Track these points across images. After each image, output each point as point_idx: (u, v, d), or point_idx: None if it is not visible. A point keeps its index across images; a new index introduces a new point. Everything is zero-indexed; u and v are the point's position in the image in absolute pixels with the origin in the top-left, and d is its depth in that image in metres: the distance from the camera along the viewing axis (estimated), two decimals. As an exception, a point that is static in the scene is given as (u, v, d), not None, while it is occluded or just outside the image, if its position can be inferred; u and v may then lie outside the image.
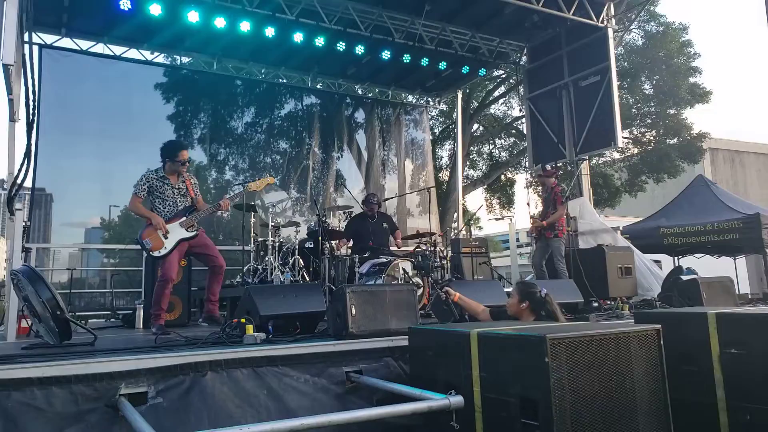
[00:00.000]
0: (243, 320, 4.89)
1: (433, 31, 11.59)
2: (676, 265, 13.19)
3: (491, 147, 23.60)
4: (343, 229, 9.37)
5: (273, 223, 8.75)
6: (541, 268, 9.01)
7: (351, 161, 14.80)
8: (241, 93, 13.61)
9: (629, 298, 9.10)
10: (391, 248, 9.38)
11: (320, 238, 8.25)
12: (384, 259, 8.09)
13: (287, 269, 8.44)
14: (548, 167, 10.30)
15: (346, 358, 4.57)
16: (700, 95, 20.28)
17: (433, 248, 9.08)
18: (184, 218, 6.31)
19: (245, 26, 10.20)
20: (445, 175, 21.92)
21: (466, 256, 10.60)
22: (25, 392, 3.51)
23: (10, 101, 7.45)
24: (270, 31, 10.35)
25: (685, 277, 8.66)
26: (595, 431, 3.16)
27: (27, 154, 7.49)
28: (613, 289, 8.88)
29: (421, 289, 7.68)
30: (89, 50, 11.09)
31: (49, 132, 10.08)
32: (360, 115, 15.30)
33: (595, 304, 8.36)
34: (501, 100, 22.43)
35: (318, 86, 14.40)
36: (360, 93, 15.01)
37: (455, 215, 17.45)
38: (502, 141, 23.41)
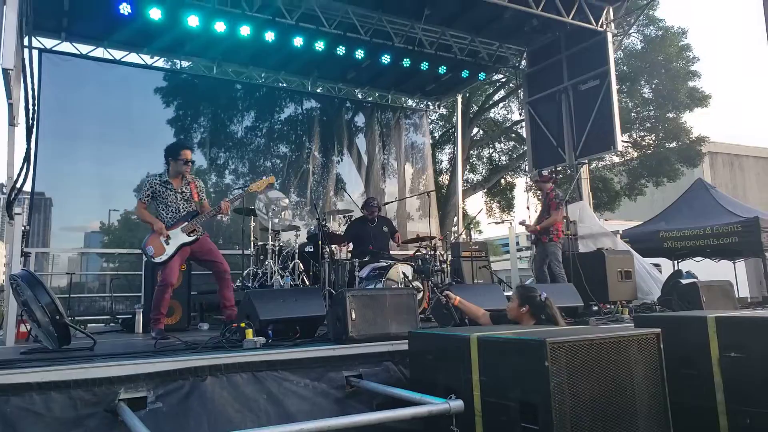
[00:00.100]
0: (243, 324, 4.87)
1: (432, 35, 11.61)
2: (676, 268, 13.20)
3: (491, 151, 23.62)
4: (342, 233, 9.36)
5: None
6: (542, 272, 9.03)
7: (351, 165, 14.81)
8: (241, 97, 13.63)
9: (629, 302, 9.09)
10: (391, 252, 9.37)
11: (320, 242, 8.24)
12: (384, 263, 8.08)
13: (287, 273, 8.43)
14: (545, 173, 10.33)
15: (346, 362, 4.56)
16: (699, 99, 20.31)
17: (433, 252, 9.08)
18: (186, 223, 6.29)
19: (245, 30, 10.20)
20: (445, 178, 21.93)
21: (466, 260, 10.60)
22: (24, 397, 3.50)
23: (10, 105, 7.44)
24: (270, 36, 10.38)
25: (684, 281, 8.64)
26: (595, 435, 3.15)
27: (26, 159, 7.47)
28: (613, 292, 8.89)
29: (421, 293, 7.67)
30: (89, 54, 11.11)
31: (48, 136, 10.07)
32: (360, 119, 15.31)
33: (595, 308, 8.35)
34: (501, 104, 22.47)
35: (318, 90, 14.41)
36: (360, 97, 15.03)
37: (455, 219, 17.44)
38: (502, 145, 23.44)
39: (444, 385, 3.71)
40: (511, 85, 20.01)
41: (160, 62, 12.44)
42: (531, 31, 11.99)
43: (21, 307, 5.11)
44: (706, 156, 23.37)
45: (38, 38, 10.36)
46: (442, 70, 12.54)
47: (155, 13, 9.55)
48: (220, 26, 9.97)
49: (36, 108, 7.99)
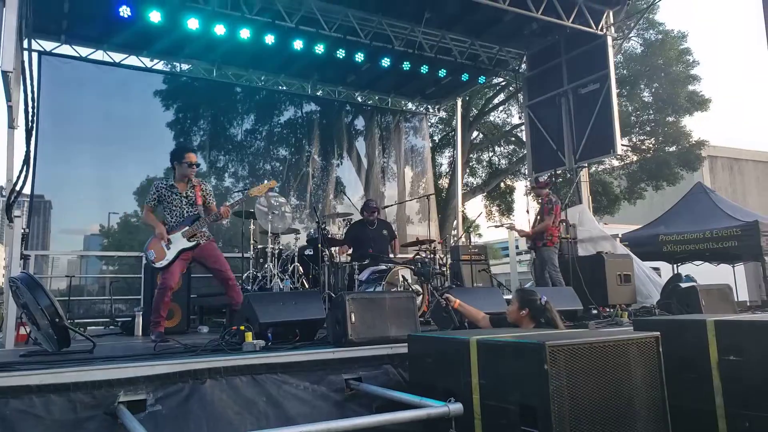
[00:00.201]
0: (242, 327, 4.87)
1: (432, 38, 11.62)
2: (675, 272, 13.20)
3: (491, 154, 23.63)
4: (342, 237, 9.36)
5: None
6: (543, 277, 9.04)
7: (351, 168, 14.83)
8: (240, 100, 13.64)
9: (628, 306, 9.10)
10: (390, 255, 9.37)
11: (320, 246, 8.25)
12: (383, 267, 8.08)
13: (286, 276, 8.42)
14: (541, 179, 10.38)
15: (346, 365, 4.56)
16: (699, 103, 20.33)
17: (432, 255, 9.08)
18: (187, 228, 6.28)
19: (245, 33, 10.21)
20: (444, 182, 21.93)
21: (465, 264, 10.60)
22: (24, 400, 3.50)
23: (9, 108, 7.44)
24: (270, 39, 10.37)
25: (683, 285, 8.64)
26: (595, 438, 3.15)
27: (26, 161, 7.49)
28: (612, 296, 8.90)
29: (421, 296, 7.68)
30: (89, 57, 11.09)
31: (48, 139, 10.08)
32: (360, 123, 15.34)
33: (595, 312, 8.37)
34: (500, 108, 22.47)
35: (318, 93, 14.43)
36: (360, 100, 15.05)
37: (455, 222, 17.46)
38: (502, 148, 23.45)
39: (443, 388, 3.70)
40: (510, 88, 20.06)
41: (160, 65, 12.43)
42: (531, 34, 11.99)
43: (20, 310, 5.12)
44: (705, 160, 23.37)
45: (38, 41, 10.38)
46: (442, 73, 12.55)
47: (155, 16, 9.54)
48: (219, 29, 9.96)
49: (35, 110, 8.02)
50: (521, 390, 3.23)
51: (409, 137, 15.38)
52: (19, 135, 7.62)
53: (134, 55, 11.61)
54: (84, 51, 11.03)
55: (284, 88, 13.84)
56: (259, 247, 8.90)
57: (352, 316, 4.80)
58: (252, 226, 9.08)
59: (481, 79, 13.67)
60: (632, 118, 21.09)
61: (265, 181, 7.12)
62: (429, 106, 15.48)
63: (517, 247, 11.67)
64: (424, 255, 9.05)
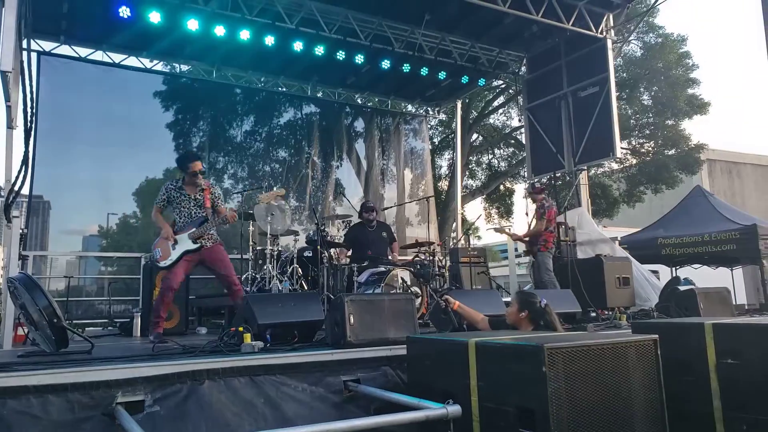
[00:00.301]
0: (241, 329, 4.87)
1: (432, 40, 11.63)
2: (674, 275, 13.22)
3: (490, 157, 23.62)
4: (341, 239, 9.35)
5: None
6: (541, 280, 9.05)
7: (350, 170, 14.81)
8: (240, 101, 13.66)
9: (627, 308, 9.10)
10: (389, 257, 9.37)
11: (319, 247, 8.24)
12: (383, 269, 8.07)
13: (285, 278, 8.42)
14: (537, 185, 10.42)
15: (344, 367, 4.55)
16: (699, 106, 20.35)
17: (431, 258, 9.07)
18: (194, 229, 6.31)
19: (245, 35, 10.23)
20: (444, 184, 21.92)
21: (464, 266, 10.59)
22: (21, 400, 3.49)
23: (8, 108, 7.45)
24: (270, 40, 10.38)
25: (682, 288, 8.66)
26: (593, 441, 3.15)
27: (25, 161, 7.50)
28: (611, 299, 8.89)
29: (420, 298, 7.67)
30: (88, 58, 11.10)
31: (47, 139, 10.08)
32: (359, 125, 15.34)
33: (593, 314, 8.36)
34: (500, 110, 22.48)
35: (318, 95, 14.44)
36: (359, 102, 15.05)
37: (454, 225, 17.44)
38: (501, 151, 23.44)
39: (442, 390, 3.70)
40: (510, 91, 20.07)
41: (160, 66, 12.46)
42: (531, 37, 12.02)
43: (19, 311, 5.10)
44: (704, 163, 23.37)
45: (37, 41, 10.39)
46: (442, 75, 12.56)
47: (155, 17, 9.55)
48: (219, 30, 9.97)
49: (34, 111, 8.02)
50: (520, 392, 3.23)
51: (408, 139, 15.40)
52: (18, 135, 7.62)
53: (134, 55, 11.62)
54: (83, 51, 11.04)
55: (284, 89, 13.85)
56: (258, 248, 8.91)
57: (351, 317, 4.80)
58: (251, 228, 9.08)
59: (481, 82, 13.67)
60: (632, 121, 21.11)
61: (275, 188, 7.16)
62: (429, 109, 15.50)
63: (516, 249, 11.66)
64: (423, 257, 9.05)
